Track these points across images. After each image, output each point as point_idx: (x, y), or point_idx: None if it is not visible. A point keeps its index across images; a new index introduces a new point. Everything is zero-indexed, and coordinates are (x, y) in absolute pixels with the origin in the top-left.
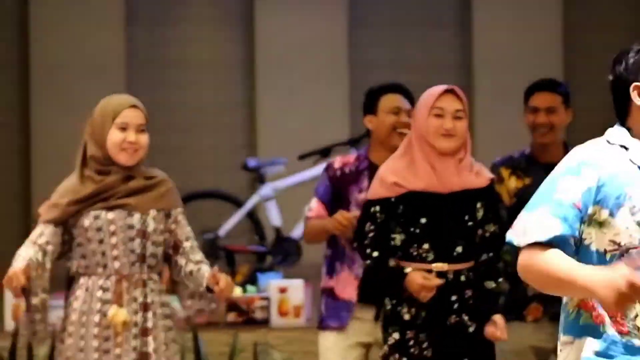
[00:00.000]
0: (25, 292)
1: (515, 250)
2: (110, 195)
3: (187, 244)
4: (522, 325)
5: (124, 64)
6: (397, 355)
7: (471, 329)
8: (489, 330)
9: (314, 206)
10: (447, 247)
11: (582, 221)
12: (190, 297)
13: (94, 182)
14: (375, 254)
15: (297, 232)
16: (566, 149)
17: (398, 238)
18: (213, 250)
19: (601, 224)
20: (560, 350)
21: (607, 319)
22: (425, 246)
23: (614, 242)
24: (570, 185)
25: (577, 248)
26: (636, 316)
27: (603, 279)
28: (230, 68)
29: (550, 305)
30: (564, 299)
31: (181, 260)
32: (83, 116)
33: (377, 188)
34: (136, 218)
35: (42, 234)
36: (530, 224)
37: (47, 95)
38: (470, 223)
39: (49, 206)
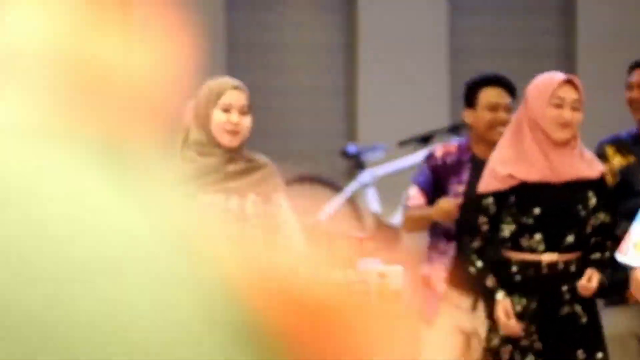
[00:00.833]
0: None
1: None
2: (209, 178)
3: (286, 227)
4: (624, 310)
5: (225, 48)
6: (509, 347)
7: (583, 320)
8: (581, 283)
9: (414, 194)
10: (558, 237)
11: None
12: None
13: (195, 163)
14: (479, 264)
15: (396, 218)
16: None
17: (507, 229)
18: None
19: None
20: None
21: None
22: (537, 237)
23: None
24: None
25: None
26: None
27: None
28: (331, 53)
29: None
30: None
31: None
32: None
33: (490, 180)
34: (234, 202)
35: None
36: None
37: None
38: (582, 213)
39: None
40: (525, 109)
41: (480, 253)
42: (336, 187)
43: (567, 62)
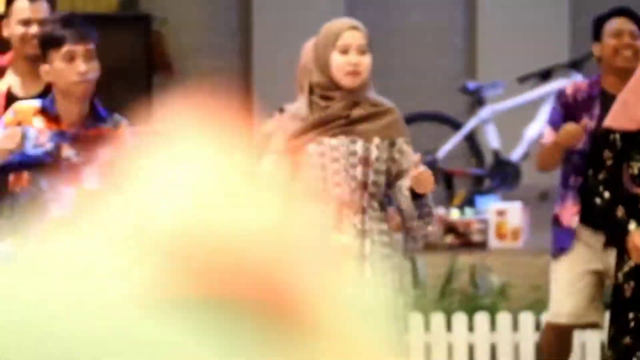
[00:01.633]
0: None
1: None
2: (335, 123)
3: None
4: None
5: None
6: (631, 283)
7: None
8: None
9: (547, 132)
10: None
11: None
12: (410, 221)
13: (320, 108)
14: (607, 194)
15: (516, 154)
16: None
17: (636, 167)
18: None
19: None
20: None
21: None
22: None
23: None
24: None
25: None
26: None
27: None
28: None
29: None
30: None
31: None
32: (303, 39)
33: (619, 116)
34: (359, 145)
35: (274, 169)
36: None
37: (268, 18)
38: None
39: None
40: None
41: (606, 184)
42: (456, 124)
43: None
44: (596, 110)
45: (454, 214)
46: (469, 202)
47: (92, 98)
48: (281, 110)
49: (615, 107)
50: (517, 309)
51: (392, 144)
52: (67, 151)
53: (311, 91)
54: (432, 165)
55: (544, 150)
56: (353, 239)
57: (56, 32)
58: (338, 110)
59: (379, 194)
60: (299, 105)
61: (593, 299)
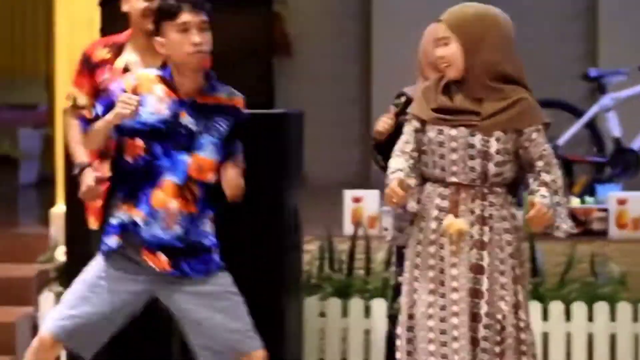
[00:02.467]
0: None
1: None
2: (464, 117)
3: (539, 163)
4: None
5: None
6: None
7: None
8: None
9: None
10: None
11: None
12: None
13: (446, 103)
14: None
15: (637, 143)
16: None
17: None
18: None
19: None
20: None
21: None
22: None
23: None
24: None
25: None
26: None
27: None
28: None
29: None
30: None
31: (530, 180)
32: (422, 25)
33: None
34: (478, 138)
35: (408, 142)
36: None
37: (390, 4)
38: None
39: (415, 109)
40: None
41: None
42: (577, 111)
43: None
44: None
45: (575, 202)
46: (590, 190)
47: (207, 70)
48: (400, 95)
49: None
50: (637, 299)
51: (519, 134)
52: (185, 119)
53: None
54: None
55: None
56: (469, 224)
57: (170, 3)
58: (468, 105)
59: (504, 181)
60: (427, 86)
61: None
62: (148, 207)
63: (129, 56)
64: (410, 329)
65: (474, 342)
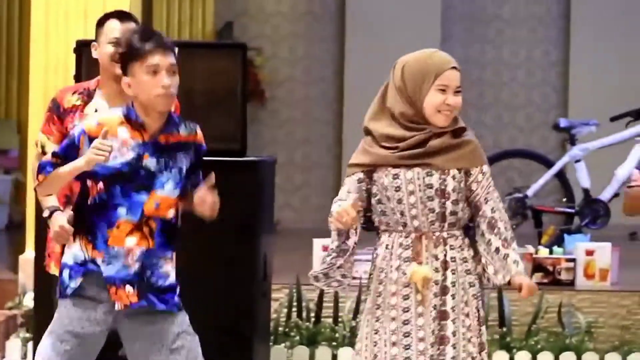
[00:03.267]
0: (343, 232)
1: None
2: (411, 152)
3: (486, 207)
4: None
5: (439, 18)
6: None
7: None
8: None
9: (636, 177)
10: None
11: None
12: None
13: (402, 141)
14: None
15: (606, 194)
16: None
17: None
18: (520, 210)
19: None
20: None
21: None
22: None
23: None
24: None
25: None
26: None
27: None
28: (546, 25)
29: None
30: None
31: (482, 226)
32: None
33: None
34: (435, 178)
35: (349, 191)
36: None
37: (361, 48)
38: None
39: (351, 163)
40: None
41: None
42: (547, 162)
43: None
44: None
45: (543, 252)
46: (558, 240)
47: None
48: (367, 131)
49: None
50: (605, 350)
51: (467, 174)
52: (147, 161)
53: (382, 112)
54: (521, 202)
55: (633, 194)
56: (434, 270)
57: (140, 44)
58: (415, 141)
59: (459, 223)
60: (380, 130)
61: None
62: (106, 247)
63: (99, 102)
64: None
65: None
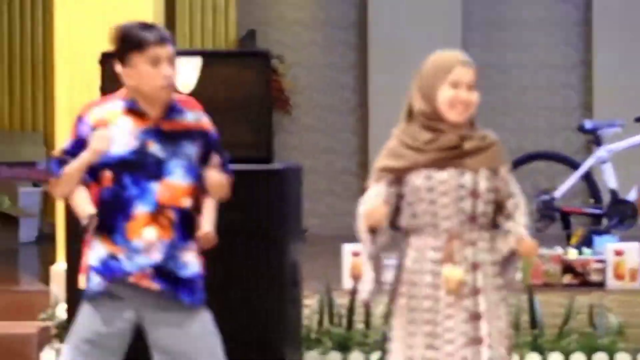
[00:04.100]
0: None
1: None
2: (446, 154)
3: (510, 202)
4: None
5: (460, 24)
6: None
7: None
8: None
9: None
10: None
11: None
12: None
13: (435, 142)
14: None
15: (633, 194)
16: None
17: None
18: (549, 212)
19: None
20: None
21: None
22: None
23: None
24: None
25: None
26: None
27: None
28: (566, 28)
29: None
30: None
31: (501, 220)
32: None
33: None
34: (467, 178)
35: (378, 194)
36: None
37: (384, 55)
38: None
39: (380, 167)
40: None
41: None
42: (573, 164)
43: None
44: None
45: (572, 254)
46: (587, 241)
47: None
48: (397, 134)
49: None
50: (636, 350)
51: (495, 173)
52: (152, 147)
53: (412, 119)
54: (548, 204)
55: None
56: (465, 272)
57: (140, 34)
58: (449, 142)
59: (488, 224)
60: (406, 133)
61: None
62: (125, 241)
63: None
64: None
65: None
